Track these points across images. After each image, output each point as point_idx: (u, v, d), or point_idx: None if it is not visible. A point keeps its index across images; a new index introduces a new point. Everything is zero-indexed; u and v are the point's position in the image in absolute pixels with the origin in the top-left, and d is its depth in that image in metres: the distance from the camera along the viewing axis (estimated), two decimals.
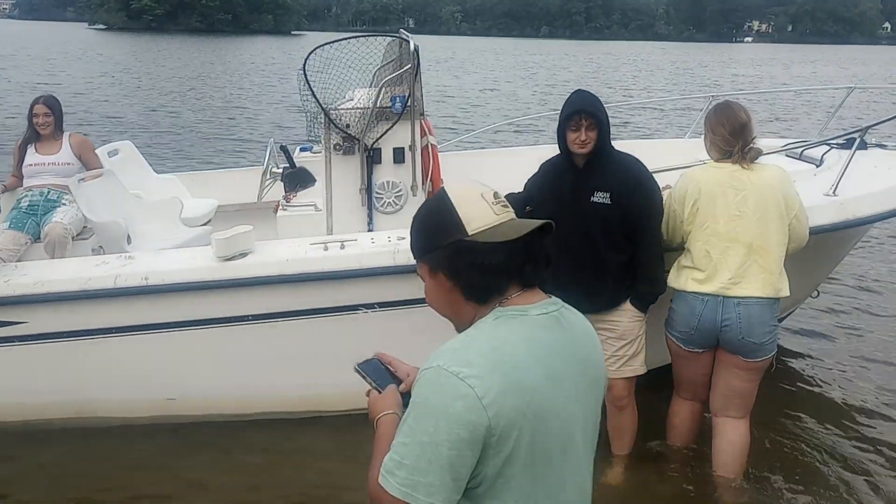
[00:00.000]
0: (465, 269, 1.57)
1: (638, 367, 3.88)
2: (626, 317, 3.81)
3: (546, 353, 1.56)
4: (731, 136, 3.65)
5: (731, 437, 3.85)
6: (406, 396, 1.67)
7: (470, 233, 1.56)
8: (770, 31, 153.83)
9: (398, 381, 1.77)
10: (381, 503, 1.49)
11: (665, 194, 3.82)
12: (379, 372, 1.80)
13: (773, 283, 3.62)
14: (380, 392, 1.74)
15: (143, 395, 4.28)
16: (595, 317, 3.85)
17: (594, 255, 3.76)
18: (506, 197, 4.28)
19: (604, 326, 3.84)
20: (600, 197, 3.69)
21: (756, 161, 3.66)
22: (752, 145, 3.65)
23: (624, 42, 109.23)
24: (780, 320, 5.68)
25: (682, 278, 3.75)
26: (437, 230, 1.60)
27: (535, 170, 4.12)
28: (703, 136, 3.83)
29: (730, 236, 3.60)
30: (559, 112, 3.79)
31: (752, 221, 3.58)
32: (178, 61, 41.45)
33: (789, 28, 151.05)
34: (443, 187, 1.65)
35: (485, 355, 1.49)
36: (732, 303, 3.60)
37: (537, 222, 1.59)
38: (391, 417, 1.64)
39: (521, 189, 4.26)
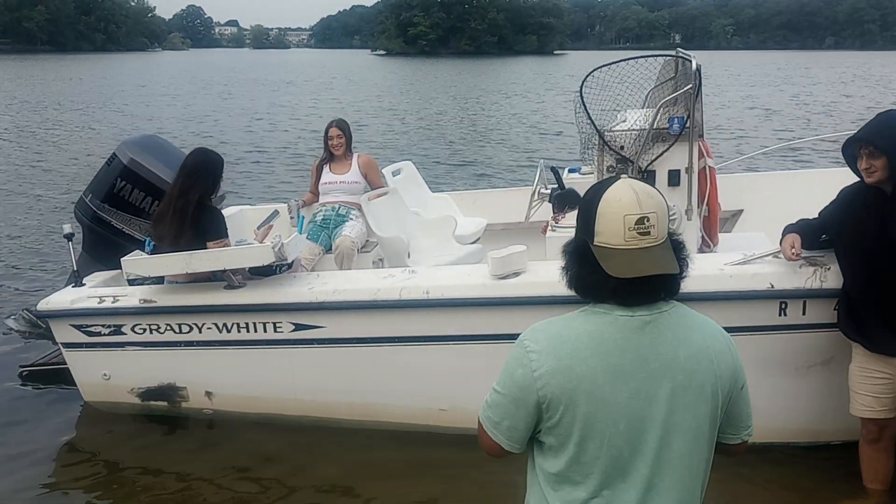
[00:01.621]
0: (573, 264, 1.81)
1: None
2: None
3: (612, 350, 1.74)
4: None
5: None
6: None
7: (595, 242, 1.75)
8: None
9: None
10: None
11: None
12: None
13: None
14: None
15: (419, 404, 4.51)
16: None
17: None
18: (797, 223, 4.00)
19: None
20: None
21: None
22: None
23: None
24: None
25: None
26: (583, 218, 1.80)
27: (821, 194, 3.84)
28: None
29: None
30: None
31: None
32: (448, 83, 43.86)
33: None
34: (608, 185, 1.77)
35: (551, 339, 1.77)
36: None
37: (647, 272, 1.71)
38: None
39: (810, 215, 3.97)
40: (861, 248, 3.54)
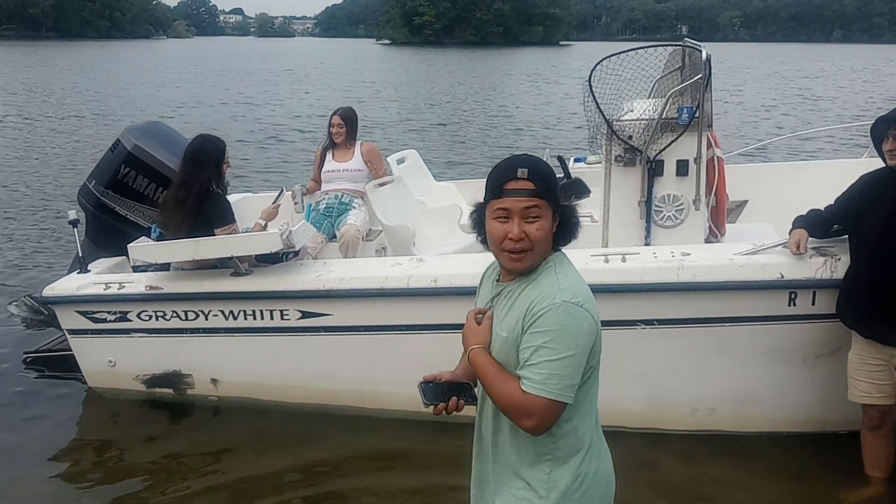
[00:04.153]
0: (571, 221, 2.11)
1: None
2: None
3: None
4: None
5: None
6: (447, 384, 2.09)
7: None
8: None
9: (448, 385, 2.11)
10: (532, 409, 1.93)
11: None
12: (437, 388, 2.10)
13: None
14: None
15: None
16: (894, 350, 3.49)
17: None
18: (807, 214, 4.00)
19: None
20: None
21: None
22: None
23: None
24: None
25: None
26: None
27: (825, 186, 3.89)
28: None
29: None
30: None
31: None
32: (452, 74, 43.70)
33: None
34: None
35: (583, 288, 2.04)
36: None
37: None
38: (481, 350, 2.06)
39: (814, 206, 3.96)
40: (874, 233, 3.53)
